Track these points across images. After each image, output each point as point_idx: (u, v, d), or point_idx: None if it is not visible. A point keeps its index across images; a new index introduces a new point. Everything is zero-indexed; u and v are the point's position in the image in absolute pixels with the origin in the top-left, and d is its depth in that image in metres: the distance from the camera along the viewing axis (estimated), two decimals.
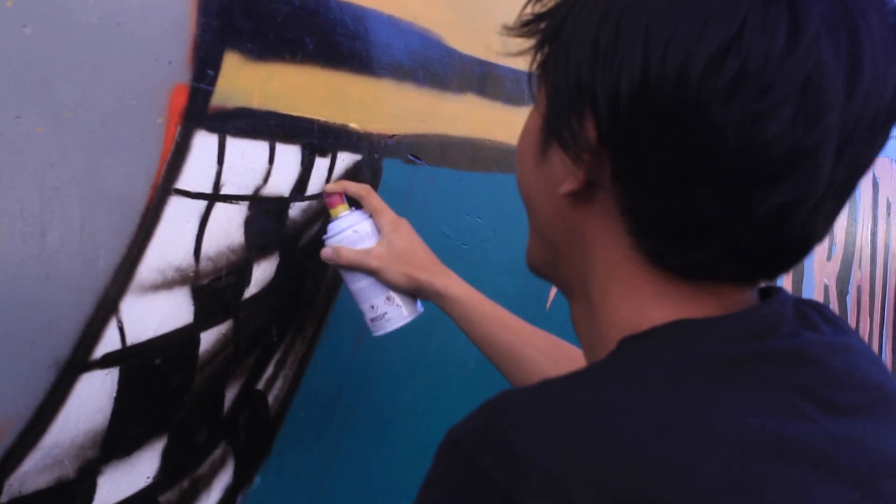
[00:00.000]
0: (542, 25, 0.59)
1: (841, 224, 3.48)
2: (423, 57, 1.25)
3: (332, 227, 1.02)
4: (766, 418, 0.49)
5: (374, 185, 1.17)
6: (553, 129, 0.58)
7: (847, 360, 0.57)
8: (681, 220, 0.53)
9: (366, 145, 1.14)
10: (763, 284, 0.61)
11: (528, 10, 0.60)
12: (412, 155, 1.25)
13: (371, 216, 1.03)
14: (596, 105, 0.53)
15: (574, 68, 0.54)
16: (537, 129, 0.62)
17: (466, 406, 0.61)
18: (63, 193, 0.77)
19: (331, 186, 1.03)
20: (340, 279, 1.08)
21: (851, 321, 3.77)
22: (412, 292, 1.02)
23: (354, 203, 1.04)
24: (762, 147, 0.48)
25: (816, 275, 3.39)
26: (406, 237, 1.02)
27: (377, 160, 1.17)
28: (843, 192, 0.54)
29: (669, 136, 0.50)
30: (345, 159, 1.11)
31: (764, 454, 0.47)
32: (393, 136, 1.20)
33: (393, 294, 1.01)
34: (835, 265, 3.54)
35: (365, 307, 1.03)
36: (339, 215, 1.02)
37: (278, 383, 1.07)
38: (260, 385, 1.04)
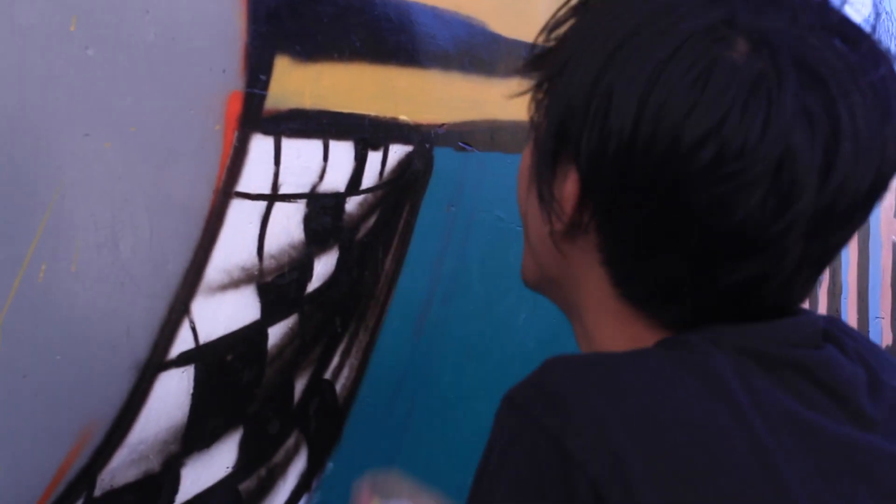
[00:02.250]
0: (552, 57, 0.60)
1: None
2: (469, 44, 1.26)
3: None
4: (798, 408, 0.52)
5: (427, 175, 1.20)
6: (537, 178, 0.61)
7: (867, 377, 0.58)
8: (652, 279, 0.55)
9: (416, 136, 1.17)
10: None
11: (538, 44, 0.62)
12: (463, 142, 1.27)
13: None
14: (578, 161, 0.56)
15: (560, 121, 0.57)
16: (528, 166, 0.64)
17: None
18: (132, 204, 0.81)
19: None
20: (400, 269, 1.11)
21: None
22: None
23: None
24: (729, 228, 0.51)
25: (884, 234, 3.31)
26: None
27: (428, 150, 1.19)
28: (818, 265, 0.56)
29: (646, 203, 0.53)
30: (397, 151, 1.13)
31: (792, 433, 0.50)
32: (443, 125, 1.22)
33: None
34: None
35: None
36: None
37: (345, 372, 1.10)
38: (327, 375, 1.08)
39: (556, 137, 0.58)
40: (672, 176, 0.51)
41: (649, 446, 0.47)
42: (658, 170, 0.51)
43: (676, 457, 0.47)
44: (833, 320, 0.64)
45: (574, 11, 0.60)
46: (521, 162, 0.67)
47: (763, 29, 0.51)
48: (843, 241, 0.56)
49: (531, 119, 0.63)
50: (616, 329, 0.60)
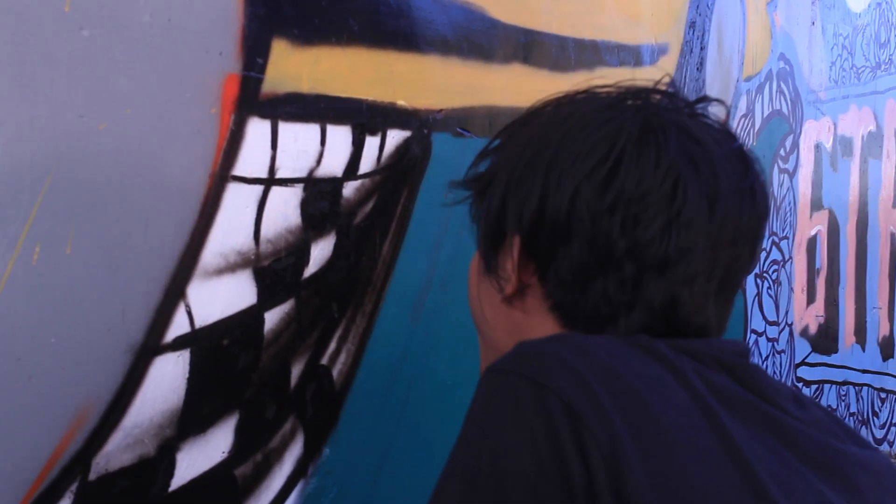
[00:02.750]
0: (480, 179, 0.73)
1: None
2: (467, 30, 1.26)
3: None
4: (730, 386, 0.63)
5: (425, 161, 1.19)
6: (485, 259, 0.73)
7: (793, 394, 0.70)
8: (592, 308, 0.66)
9: (415, 122, 1.16)
10: None
11: (472, 168, 0.75)
12: (461, 128, 1.26)
13: None
14: (516, 230, 0.68)
15: (495, 202, 0.70)
16: (477, 261, 0.76)
17: None
18: (127, 187, 0.81)
19: None
20: (397, 254, 1.10)
21: None
22: None
23: None
24: (643, 247, 0.63)
25: (882, 222, 3.31)
26: None
27: (426, 135, 1.19)
28: (726, 290, 0.68)
29: (572, 243, 0.65)
30: (394, 137, 1.13)
31: (723, 400, 0.61)
32: (441, 110, 1.21)
33: None
34: None
35: None
36: None
37: (341, 357, 1.10)
38: (324, 360, 1.08)
39: (494, 224, 0.70)
40: (586, 218, 0.64)
41: (612, 387, 0.57)
42: (574, 217, 0.64)
43: (634, 397, 0.57)
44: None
45: (496, 148, 0.73)
46: (468, 274, 0.78)
47: (649, 110, 0.67)
48: (741, 272, 0.69)
49: (474, 222, 0.75)
50: None
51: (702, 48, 2.06)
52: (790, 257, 2.71)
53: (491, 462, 0.56)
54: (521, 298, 0.71)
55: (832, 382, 2.98)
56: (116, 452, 0.82)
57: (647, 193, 0.63)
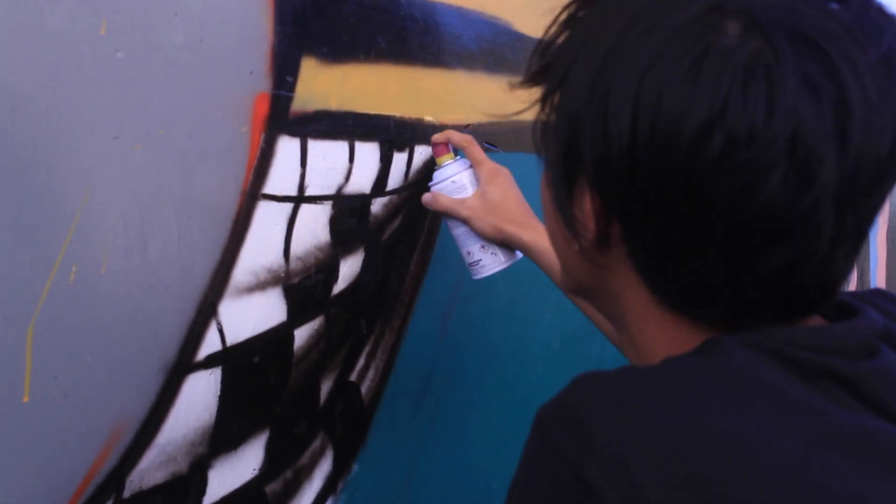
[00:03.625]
0: (548, 74, 0.59)
1: None
2: (493, 44, 1.26)
3: (436, 175, 1.07)
4: (839, 417, 0.49)
5: None
6: (556, 202, 0.60)
7: None
8: (686, 281, 0.54)
9: None
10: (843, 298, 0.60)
11: (535, 59, 0.60)
12: (488, 142, 1.26)
13: (472, 166, 1.06)
14: (588, 175, 0.55)
15: (566, 139, 0.56)
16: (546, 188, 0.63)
17: (551, 386, 0.62)
18: (160, 206, 0.81)
19: (437, 136, 1.08)
20: (425, 269, 1.10)
21: None
22: (501, 243, 1.05)
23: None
24: (755, 214, 0.49)
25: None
26: (501, 188, 1.05)
27: (454, 151, 1.19)
28: (857, 234, 0.53)
29: (662, 202, 0.51)
30: (422, 152, 1.13)
31: (833, 447, 0.47)
32: (468, 125, 1.22)
33: (487, 242, 1.04)
34: None
35: (463, 252, 1.08)
36: (443, 164, 1.07)
37: (370, 374, 1.10)
38: (353, 376, 1.08)
39: (565, 156, 0.57)
40: (682, 174, 0.50)
41: (669, 479, 0.46)
42: (666, 170, 0.50)
43: (700, 489, 0.45)
44: (889, 310, 0.61)
45: (564, 25, 0.59)
46: (541, 193, 0.66)
47: (752, 7, 0.50)
48: (877, 208, 0.53)
49: (538, 135, 0.62)
50: (659, 335, 0.59)
51: None
52: None
53: None
54: (605, 252, 0.59)
55: None
56: (150, 470, 0.83)
57: (758, 145, 0.48)
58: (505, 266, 1.06)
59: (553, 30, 0.59)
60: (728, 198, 0.49)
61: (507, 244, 1.05)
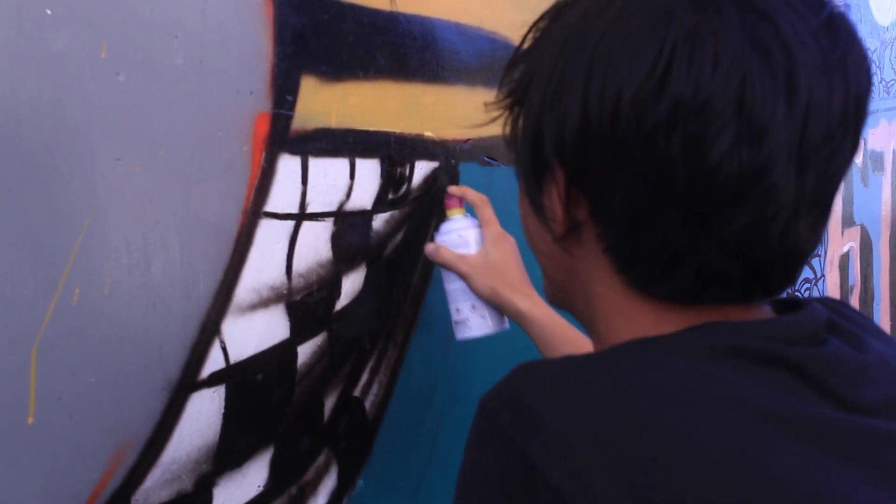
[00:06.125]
0: (511, 95, 0.63)
1: None
2: (492, 59, 1.27)
3: (443, 227, 1.08)
4: (782, 401, 0.51)
5: None
6: (527, 192, 0.63)
7: (874, 367, 0.57)
8: (652, 251, 0.55)
9: (442, 152, 1.17)
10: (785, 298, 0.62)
11: (505, 78, 0.65)
12: (488, 157, 1.27)
13: (480, 226, 1.07)
14: (552, 152, 0.58)
15: (531, 123, 0.59)
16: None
17: None
18: (162, 226, 0.82)
19: (453, 189, 1.10)
20: (427, 284, 1.11)
21: None
22: (495, 306, 1.05)
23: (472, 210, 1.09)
24: (710, 173, 0.50)
25: None
26: (503, 253, 1.06)
27: (454, 165, 1.20)
28: (819, 202, 0.54)
29: (620, 170, 0.54)
30: (422, 167, 1.14)
31: (776, 430, 0.49)
32: (468, 140, 1.22)
33: (479, 303, 1.04)
34: None
35: (452, 308, 1.07)
36: (452, 217, 1.08)
37: (374, 389, 1.11)
38: (356, 392, 1.08)
39: (532, 145, 0.59)
40: (636, 139, 0.52)
41: (613, 460, 0.47)
42: (621, 138, 0.52)
43: (641, 471, 0.46)
44: (833, 306, 0.63)
45: (524, 50, 0.63)
46: (519, 202, 0.69)
47: None
48: (838, 175, 0.55)
49: (507, 139, 0.65)
50: (625, 329, 0.60)
51: None
52: (822, 275, 2.68)
53: None
54: (576, 238, 0.61)
55: None
56: (155, 489, 0.83)
57: (706, 102, 0.49)
58: (491, 332, 1.06)
59: (518, 54, 0.63)
60: (681, 157, 0.51)
61: (500, 308, 1.05)
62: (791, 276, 0.58)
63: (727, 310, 0.57)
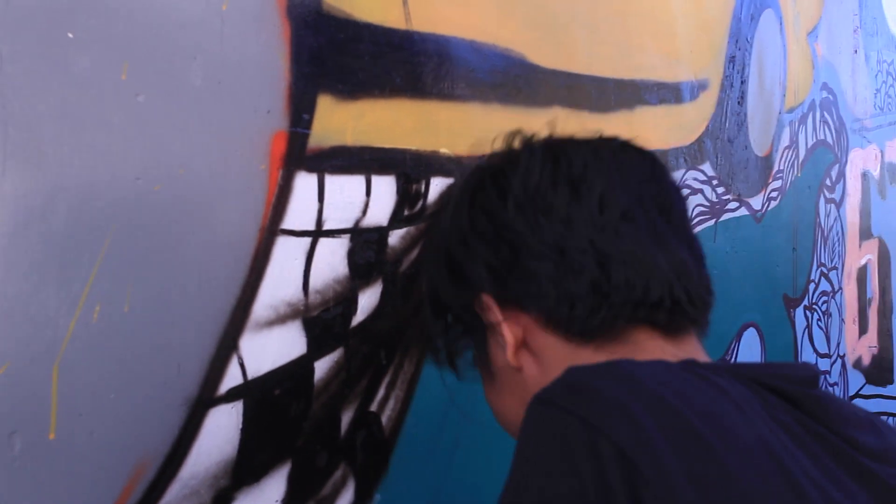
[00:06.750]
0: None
1: None
2: (507, 76, 1.28)
3: None
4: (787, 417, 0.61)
5: None
6: (477, 353, 0.85)
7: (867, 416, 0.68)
8: (566, 298, 0.70)
9: (457, 168, 1.18)
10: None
11: None
12: None
13: None
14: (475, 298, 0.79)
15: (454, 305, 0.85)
16: (479, 359, 0.86)
17: None
18: (181, 244, 0.83)
19: None
20: None
21: None
22: None
23: None
24: (554, 235, 0.72)
25: None
26: None
27: None
28: (675, 229, 0.74)
29: (501, 254, 0.76)
30: (438, 184, 1.15)
31: (793, 440, 0.59)
32: (483, 156, 1.23)
33: None
34: None
35: None
36: None
37: (390, 404, 1.11)
38: (373, 407, 1.09)
39: (469, 319, 0.83)
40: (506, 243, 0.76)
41: (672, 430, 0.54)
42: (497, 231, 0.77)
43: (697, 441, 0.53)
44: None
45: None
46: (485, 393, 0.90)
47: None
48: (675, 202, 0.78)
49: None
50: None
51: (742, 82, 2.06)
52: (840, 288, 2.67)
53: None
54: (528, 351, 0.75)
55: (888, 414, 2.91)
56: None
57: (535, 195, 0.74)
58: None
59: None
60: (528, 230, 0.74)
61: None
62: (698, 311, 0.75)
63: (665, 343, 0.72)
